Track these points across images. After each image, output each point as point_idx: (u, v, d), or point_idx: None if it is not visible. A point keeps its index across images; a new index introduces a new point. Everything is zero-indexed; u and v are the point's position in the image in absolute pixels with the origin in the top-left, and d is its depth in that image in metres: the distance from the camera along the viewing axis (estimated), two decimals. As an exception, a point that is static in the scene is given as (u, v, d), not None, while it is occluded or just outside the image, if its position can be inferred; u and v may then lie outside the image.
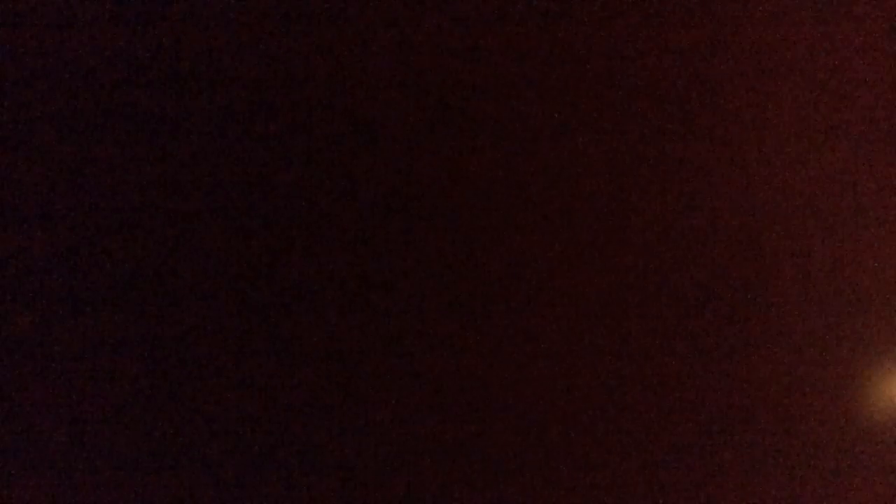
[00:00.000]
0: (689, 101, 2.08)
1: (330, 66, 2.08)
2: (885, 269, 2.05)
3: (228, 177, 2.05)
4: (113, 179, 2.04)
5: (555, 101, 2.09)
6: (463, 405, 2.05)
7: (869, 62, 2.08)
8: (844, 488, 2.02)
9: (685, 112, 2.08)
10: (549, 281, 2.07)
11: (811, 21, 2.09)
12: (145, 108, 2.05)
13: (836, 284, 2.05)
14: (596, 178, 2.08)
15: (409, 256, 2.07)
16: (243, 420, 2.03)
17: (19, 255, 2.01)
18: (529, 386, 2.06)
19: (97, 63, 2.04)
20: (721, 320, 2.06)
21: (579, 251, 2.07)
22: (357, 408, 2.04)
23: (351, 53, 2.08)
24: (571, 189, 2.08)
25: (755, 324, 2.05)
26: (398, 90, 2.08)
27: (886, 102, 2.07)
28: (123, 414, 2.02)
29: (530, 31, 2.08)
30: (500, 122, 2.08)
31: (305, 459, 2.03)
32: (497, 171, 2.08)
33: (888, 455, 2.02)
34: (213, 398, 2.03)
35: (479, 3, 2.08)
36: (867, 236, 2.06)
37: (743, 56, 2.08)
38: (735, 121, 2.08)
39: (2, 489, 1.99)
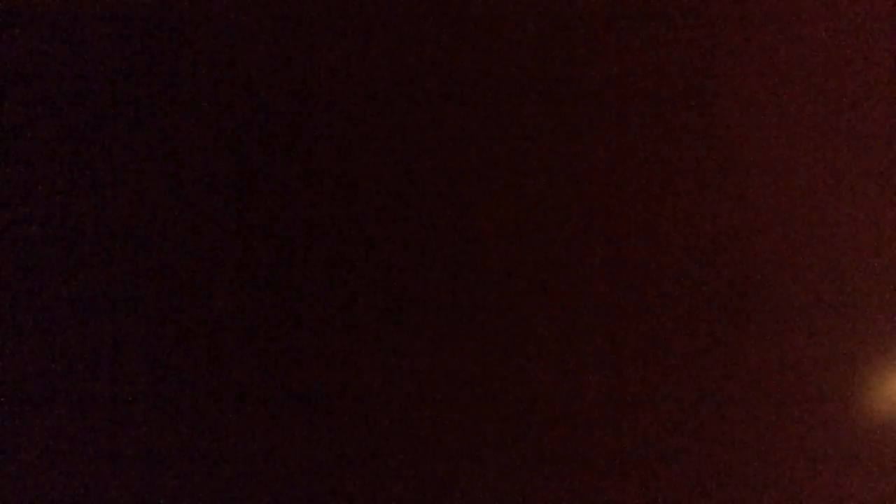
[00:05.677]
0: (688, 101, 2.09)
1: (330, 66, 2.08)
2: (885, 269, 2.06)
3: (228, 177, 2.06)
4: (113, 179, 2.04)
5: (555, 101, 2.09)
6: (463, 405, 2.06)
7: (869, 62, 2.08)
8: (844, 488, 2.03)
9: (685, 112, 2.08)
10: (549, 281, 2.07)
11: (811, 21, 2.09)
12: (145, 108, 2.05)
13: (836, 284, 2.06)
14: (595, 178, 2.09)
15: (409, 256, 2.07)
16: (243, 420, 2.03)
17: (19, 255, 2.01)
18: (529, 386, 2.06)
19: (97, 63, 2.04)
20: (721, 320, 2.06)
21: (579, 251, 2.07)
22: (357, 408, 2.05)
23: (351, 53, 2.08)
24: (571, 189, 2.08)
25: (755, 324, 2.05)
26: (398, 90, 2.08)
27: (886, 102, 2.08)
28: (124, 414, 2.02)
29: (530, 31, 2.09)
30: (500, 122, 2.09)
31: (305, 459, 2.03)
32: (497, 171, 2.08)
33: (888, 455, 2.02)
34: (213, 398, 2.03)
35: (480, 3, 2.08)
36: (867, 236, 2.06)
37: (743, 56, 2.09)
38: (735, 121, 2.08)
39: (2, 489, 1.99)
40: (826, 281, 2.06)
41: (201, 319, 2.04)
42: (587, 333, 2.07)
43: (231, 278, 2.05)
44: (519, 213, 2.08)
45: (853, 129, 2.08)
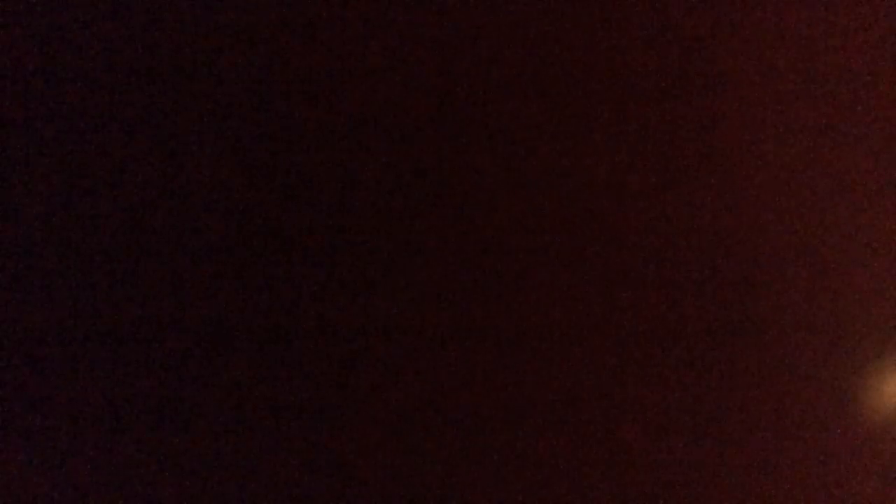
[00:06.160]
0: (688, 100, 2.09)
1: (330, 66, 2.08)
2: (885, 269, 2.06)
3: (229, 177, 2.06)
4: (113, 179, 2.04)
5: (555, 102, 2.09)
6: (462, 405, 2.06)
7: (869, 62, 2.08)
8: (844, 488, 2.03)
9: (684, 112, 2.08)
10: (548, 281, 2.07)
11: (811, 21, 2.09)
12: (145, 108, 2.05)
13: (837, 284, 2.06)
14: (595, 178, 2.09)
15: (409, 256, 2.07)
16: (243, 420, 2.03)
17: (19, 255, 2.01)
18: (529, 386, 2.06)
19: (97, 63, 2.05)
20: (720, 320, 2.06)
21: (579, 251, 2.08)
22: (357, 408, 2.05)
23: (351, 53, 2.08)
24: (571, 189, 2.08)
25: (755, 323, 2.05)
26: (398, 90, 2.08)
27: (886, 102, 2.08)
28: (123, 414, 2.02)
29: (530, 31, 2.09)
30: (500, 122, 2.09)
31: (305, 459, 2.03)
32: (497, 170, 2.08)
33: (888, 455, 2.02)
34: (213, 398, 2.03)
35: (480, 3, 2.09)
36: (867, 236, 2.06)
37: (743, 56, 2.09)
38: (735, 120, 2.09)
39: (2, 489, 1.99)
40: (826, 281, 2.06)
41: (201, 319, 2.04)
42: (586, 333, 2.07)
43: (231, 278, 2.05)
44: (518, 214, 2.08)
45: (853, 129, 2.08)
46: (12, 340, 2.01)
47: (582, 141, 2.09)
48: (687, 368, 2.06)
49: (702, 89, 2.09)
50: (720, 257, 2.07)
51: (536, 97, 2.09)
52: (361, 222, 2.07)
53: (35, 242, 2.02)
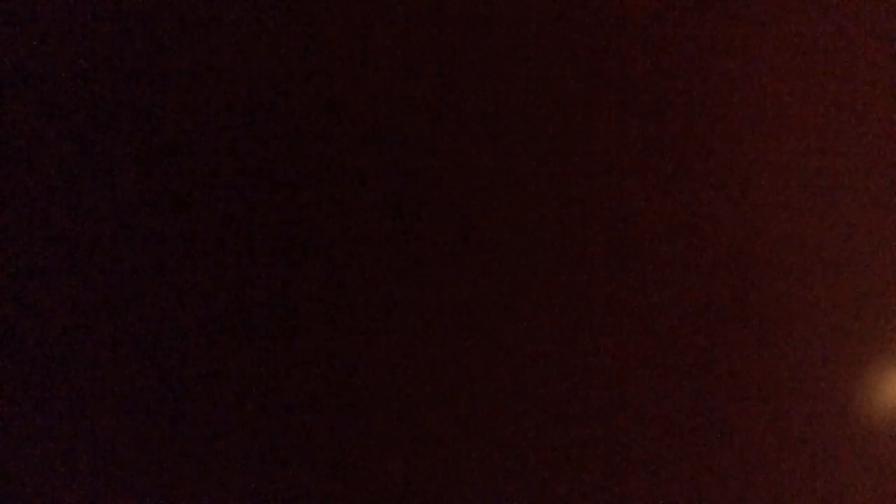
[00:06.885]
0: (688, 101, 2.09)
1: (330, 66, 2.08)
2: (885, 269, 2.06)
3: (228, 177, 2.06)
4: (113, 179, 2.04)
5: (555, 102, 2.09)
6: (463, 405, 2.06)
7: (869, 62, 2.08)
8: (844, 488, 2.03)
9: (684, 112, 2.08)
10: (548, 282, 2.07)
11: (811, 21, 2.09)
12: (145, 107, 2.05)
13: (836, 284, 2.06)
14: (595, 178, 2.09)
15: (410, 257, 2.07)
16: (243, 420, 2.03)
17: (20, 255, 2.01)
18: (529, 387, 2.06)
19: (97, 63, 2.04)
20: (721, 320, 2.06)
21: (579, 252, 2.07)
22: (357, 408, 2.04)
23: (351, 53, 2.08)
24: (571, 189, 2.08)
25: (755, 324, 2.05)
26: (398, 90, 2.08)
27: (886, 102, 2.08)
28: (123, 414, 2.02)
29: (531, 31, 2.09)
30: (500, 122, 2.08)
31: (305, 459, 2.03)
32: (497, 171, 2.08)
33: (888, 455, 2.02)
34: (213, 398, 2.03)
35: (479, 3, 2.09)
36: (867, 236, 2.06)
37: (743, 56, 2.09)
38: (735, 121, 2.08)
39: (2, 489, 1.99)
40: (826, 281, 2.06)
41: (201, 319, 2.04)
42: (586, 334, 2.07)
43: (231, 278, 2.05)
44: (519, 215, 2.08)
45: (853, 129, 2.08)
46: (12, 340, 2.01)
47: (582, 141, 2.09)
48: (687, 368, 2.06)
49: (702, 90, 2.09)
50: (720, 258, 2.07)
51: (537, 97, 2.09)
52: (362, 222, 2.07)
53: (35, 242, 2.02)
